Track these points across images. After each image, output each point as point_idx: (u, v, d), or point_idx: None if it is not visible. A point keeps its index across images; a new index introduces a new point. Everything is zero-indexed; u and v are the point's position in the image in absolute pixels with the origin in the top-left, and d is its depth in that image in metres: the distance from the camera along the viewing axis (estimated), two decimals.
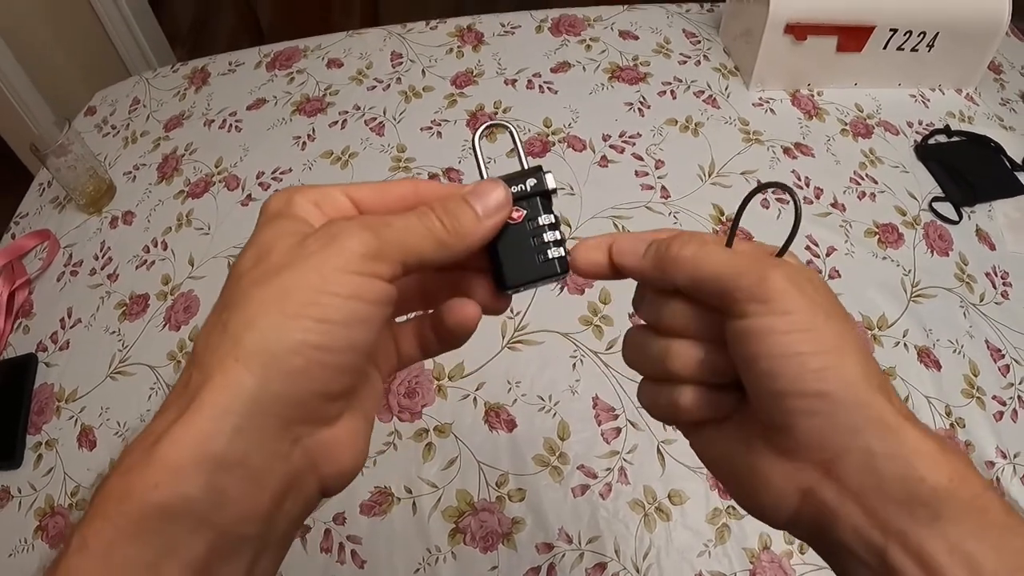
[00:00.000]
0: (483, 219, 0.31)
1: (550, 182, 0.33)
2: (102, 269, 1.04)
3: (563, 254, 0.33)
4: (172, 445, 0.25)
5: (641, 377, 0.36)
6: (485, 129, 0.37)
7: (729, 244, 0.32)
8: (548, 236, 0.33)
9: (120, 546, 0.24)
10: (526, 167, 0.34)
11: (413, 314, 0.37)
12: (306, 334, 0.26)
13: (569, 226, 0.97)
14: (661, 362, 0.33)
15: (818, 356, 0.27)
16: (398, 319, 0.36)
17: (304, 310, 0.26)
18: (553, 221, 0.33)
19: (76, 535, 0.25)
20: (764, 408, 0.29)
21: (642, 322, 0.35)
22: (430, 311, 0.36)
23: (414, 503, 0.77)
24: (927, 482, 0.26)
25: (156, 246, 1.05)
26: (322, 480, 0.30)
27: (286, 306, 0.26)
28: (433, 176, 1.06)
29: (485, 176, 0.34)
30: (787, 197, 1.00)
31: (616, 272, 0.34)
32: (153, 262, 1.03)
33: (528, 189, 0.33)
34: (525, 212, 0.33)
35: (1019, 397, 0.83)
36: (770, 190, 0.33)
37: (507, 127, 0.36)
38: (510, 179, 0.33)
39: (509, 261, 0.33)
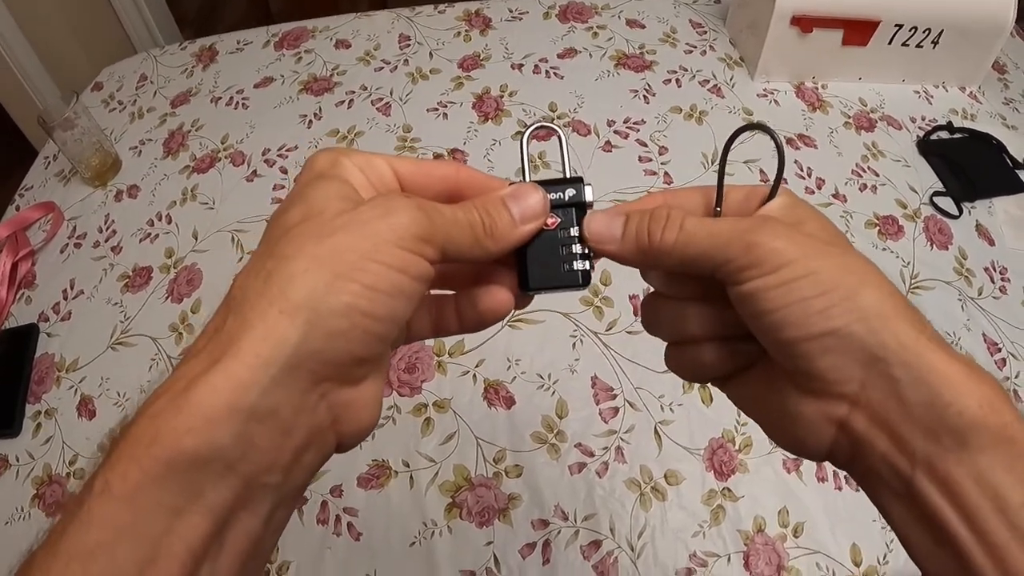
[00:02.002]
0: (519, 224, 0.32)
1: (588, 195, 0.34)
2: (106, 242, 1.04)
3: (588, 268, 0.34)
4: (208, 391, 0.25)
5: (664, 344, 0.36)
6: (536, 130, 0.37)
7: (718, 204, 0.33)
8: (576, 248, 0.33)
9: (146, 489, 0.24)
10: (569, 175, 0.34)
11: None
12: (355, 298, 0.26)
13: (553, 124, 0.97)
14: (677, 326, 0.34)
15: (821, 297, 0.27)
16: None
17: (354, 274, 0.26)
18: (580, 233, 0.34)
19: (98, 478, 0.24)
20: (781, 358, 0.29)
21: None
22: (453, 292, 0.36)
23: (411, 477, 0.78)
24: (954, 407, 0.26)
25: (160, 220, 1.05)
26: (340, 436, 0.30)
27: (337, 267, 0.26)
28: (438, 156, 1.07)
29: (528, 177, 0.34)
30: (788, 187, 1.00)
31: None
32: (157, 235, 1.03)
33: (566, 198, 0.33)
34: (560, 220, 0.33)
35: (1015, 391, 0.84)
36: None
37: (556, 130, 0.37)
38: (550, 185, 0.33)
39: (535, 264, 0.34)
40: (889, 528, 0.71)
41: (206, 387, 0.25)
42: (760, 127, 0.33)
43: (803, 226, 0.30)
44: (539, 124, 0.38)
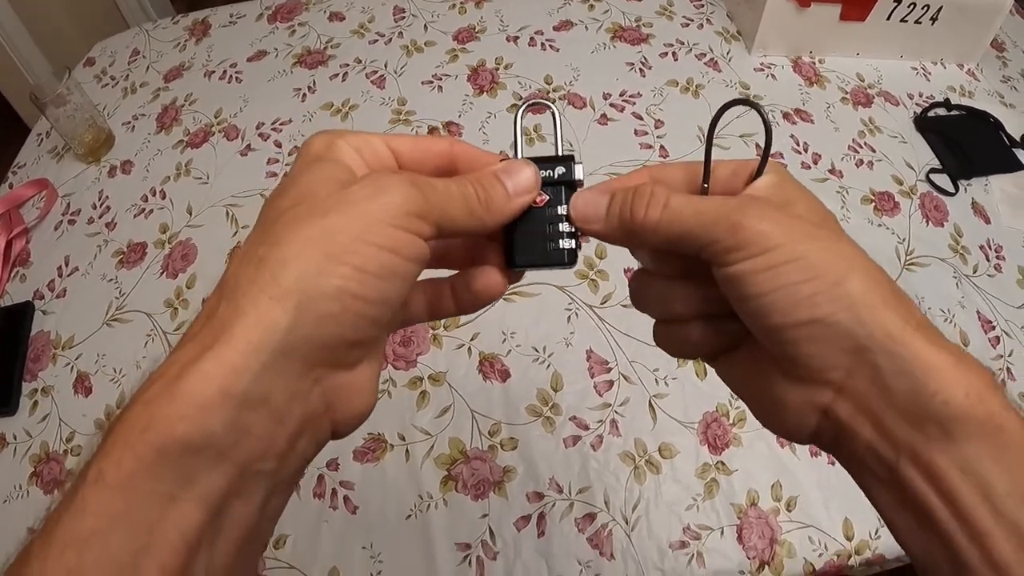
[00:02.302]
0: (512, 197, 0.32)
1: (579, 173, 0.34)
2: (100, 218, 1.04)
3: (573, 246, 0.34)
4: (200, 378, 0.24)
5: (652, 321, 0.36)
6: (530, 106, 0.37)
7: (705, 181, 0.32)
8: (563, 227, 0.33)
9: (138, 477, 0.24)
10: (560, 153, 0.34)
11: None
12: (345, 281, 0.26)
13: (547, 101, 0.97)
14: (664, 304, 0.34)
15: (808, 283, 0.27)
16: None
17: (345, 256, 0.26)
18: (568, 212, 0.34)
19: (92, 467, 0.24)
20: (766, 342, 0.29)
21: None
22: (448, 276, 0.36)
23: (407, 450, 0.78)
24: (939, 396, 0.25)
25: (155, 195, 1.05)
26: (334, 422, 0.30)
27: (328, 249, 0.26)
28: (433, 130, 1.06)
29: (520, 154, 0.35)
30: (784, 161, 1.00)
31: None
32: (151, 211, 1.03)
33: (556, 176, 0.33)
34: (548, 198, 0.33)
35: (1008, 369, 0.84)
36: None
37: (550, 107, 0.36)
38: (541, 162, 0.33)
39: (522, 241, 0.34)
40: None
41: (198, 374, 0.24)
42: (747, 103, 0.33)
43: (792, 207, 0.30)
44: (533, 101, 0.37)
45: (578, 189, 0.34)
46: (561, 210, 0.33)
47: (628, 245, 0.33)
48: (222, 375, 0.25)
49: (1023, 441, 0.25)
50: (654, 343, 0.36)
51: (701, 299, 0.33)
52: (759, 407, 0.32)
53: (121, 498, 0.23)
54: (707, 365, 0.36)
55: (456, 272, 0.35)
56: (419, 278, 0.34)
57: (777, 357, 0.29)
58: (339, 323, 0.27)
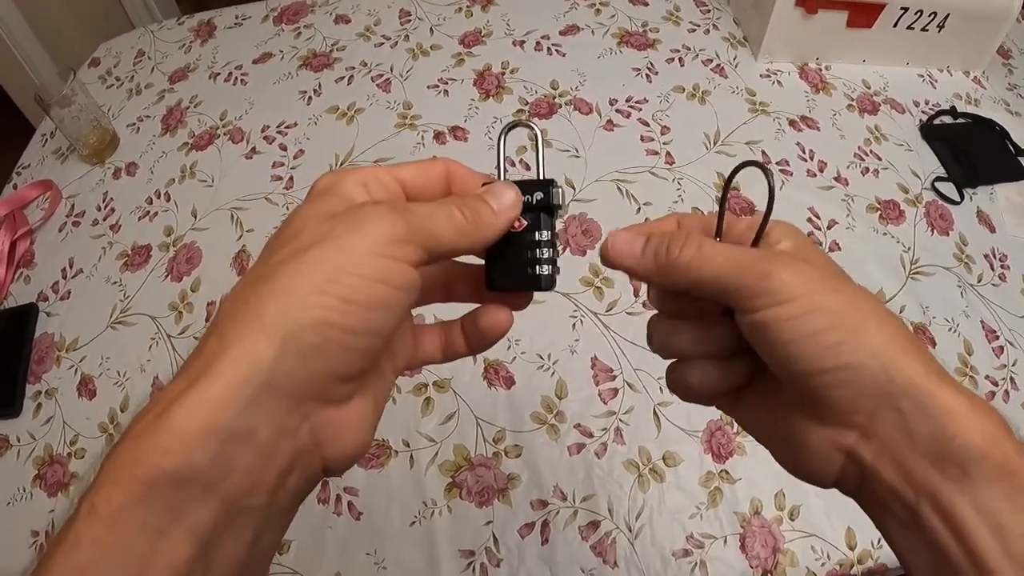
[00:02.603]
0: (498, 215, 0.32)
1: (557, 198, 0.34)
2: (104, 220, 1.04)
3: (549, 271, 0.34)
4: (184, 412, 0.25)
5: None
6: (512, 128, 0.37)
7: (718, 232, 0.34)
8: (541, 253, 0.34)
9: (128, 510, 0.24)
10: (542, 177, 0.35)
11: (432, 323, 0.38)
12: (327, 312, 0.26)
13: (573, 188, 0.97)
14: (668, 343, 0.35)
15: (832, 332, 0.28)
16: (419, 315, 0.37)
17: (327, 287, 0.26)
18: (549, 238, 0.34)
19: (85, 501, 0.25)
20: (793, 386, 0.30)
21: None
22: (460, 318, 0.37)
23: (411, 456, 0.78)
24: (958, 440, 0.27)
25: (159, 197, 1.05)
26: (325, 460, 0.30)
27: (312, 282, 0.26)
28: (439, 134, 1.06)
29: (503, 175, 0.35)
30: (790, 169, 1.00)
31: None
32: (156, 213, 1.03)
33: (534, 201, 0.34)
34: (527, 223, 0.34)
35: (1011, 379, 0.84)
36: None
37: (533, 128, 0.36)
38: (522, 186, 0.34)
39: (501, 265, 0.34)
40: None
41: (182, 408, 0.25)
42: (759, 165, 0.33)
43: (805, 269, 0.30)
44: (515, 123, 0.37)
45: (610, 232, 0.34)
46: (540, 236, 0.34)
47: (656, 283, 0.33)
48: (206, 409, 0.25)
49: None
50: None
51: (708, 339, 0.34)
52: (783, 450, 0.33)
53: (112, 532, 0.24)
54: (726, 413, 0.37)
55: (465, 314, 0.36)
56: (433, 319, 0.35)
57: (803, 400, 0.30)
58: (324, 355, 0.27)
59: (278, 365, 0.26)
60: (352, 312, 0.27)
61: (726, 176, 0.34)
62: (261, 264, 0.28)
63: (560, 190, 0.34)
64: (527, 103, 1.09)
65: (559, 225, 0.34)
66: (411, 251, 0.29)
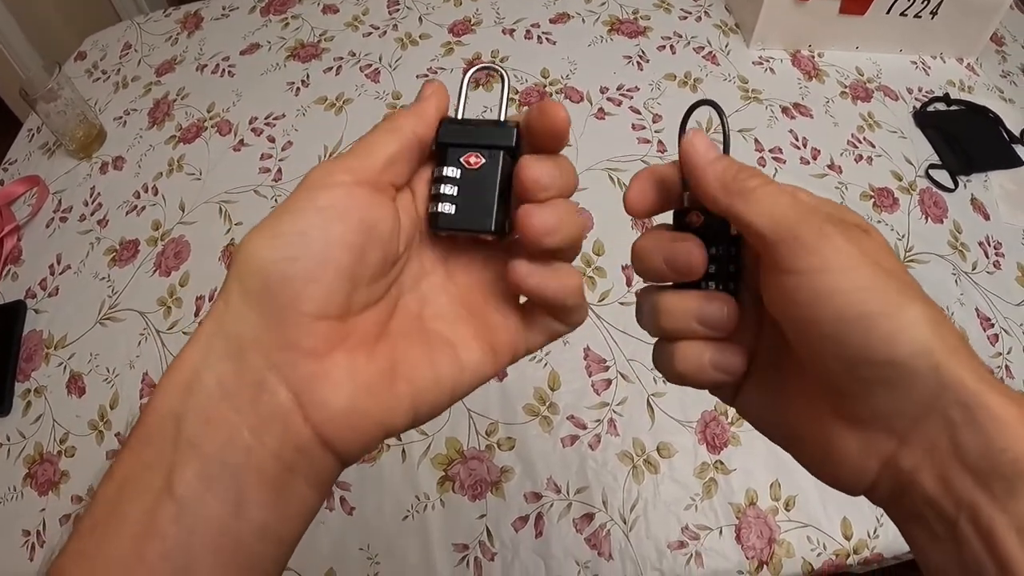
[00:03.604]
0: (428, 95, 0.32)
1: (509, 139, 0.32)
2: (92, 215, 1.03)
3: (437, 210, 0.32)
4: (172, 370, 0.27)
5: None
6: (478, 71, 0.36)
7: (685, 188, 0.32)
8: (437, 188, 0.32)
9: (131, 469, 0.26)
10: (502, 119, 0.32)
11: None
12: (263, 250, 0.27)
13: (498, 66, 0.96)
14: (671, 313, 0.32)
15: (886, 318, 0.25)
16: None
17: (272, 228, 0.27)
18: (454, 175, 0.31)
19: (109, 467, 0.27)
20: (829, 376, 0.27)
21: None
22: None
23: (404, 450, 0.77)
24: (1008, 453, 0.24)
25: (147, 191, 1.04)
26: (315, 425, 0.27)
27: (262, 230, 0.27)
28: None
29: (462, 113, 0.33)
30: (783, 157, 0.99)
31: (662, 205, 0.33)
32: (143, 207, 1.02)
33: (494, 142, 0.32)
34: (484, 161, 0.32)
35: (1007, 367, 0.84)
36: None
37: (500, 70, 0.35)
38: (481, 124, 0.32)
39: (450, 203, 0.32)
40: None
41: (172, 368, 0.27)
42: (709, 103, 0.33)
43: (864, 242, 0.28)
44: (483, 65, 0.36)
45: (691, 130, 0.32)
46: (444, 170, 0.31)
47: (719, 204, 0.30)
48: (186, 364, 0.27)
49: None
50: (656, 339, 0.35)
51: (708, 313, 0.31)
52: (807, 455, 0.30)
53: (115, 491, 0.26)
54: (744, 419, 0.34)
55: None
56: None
57: (833, 398, 0.28)
58: (271, 294, 0.26)
59: (232, 317, 0.27)
60: (288, 243, 0.27)
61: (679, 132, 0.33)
62: None
63: (516, 130, 0.32)
64: (517, 92, 1.08)
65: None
66: (344, 175, 0.28)
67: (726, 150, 0.31)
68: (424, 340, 0.31)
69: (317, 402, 0.27)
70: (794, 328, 0.28)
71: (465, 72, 0.35)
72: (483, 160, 0.31)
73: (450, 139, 0.32)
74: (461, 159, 0.32)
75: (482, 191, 0.31)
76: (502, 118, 0.33)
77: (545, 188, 0.30)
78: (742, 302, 0.32)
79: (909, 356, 0.25)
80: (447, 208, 0.31)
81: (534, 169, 0.30)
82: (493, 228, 0.31)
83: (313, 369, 0.27)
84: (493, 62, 0.35)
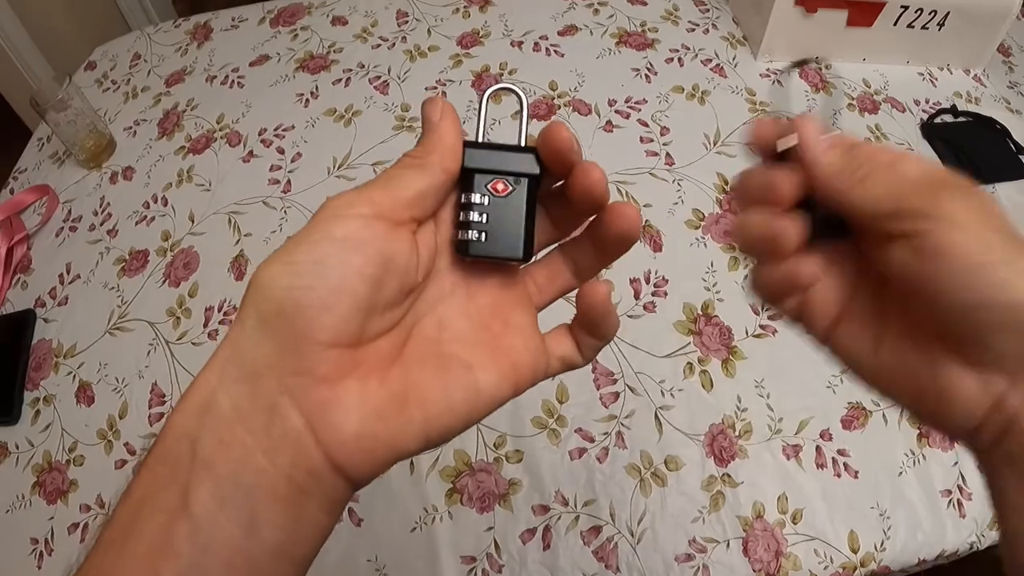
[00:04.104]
0: (436, 120, 0.31)
1: (528, 166, 0.32)
2: (101, 225, 1.04)
3: (468, 238, 0.32)
4: (191, 392, 0.27)
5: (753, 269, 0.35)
6: (496, 92, 0.35)
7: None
8: (466, 215, 0.32)
9: (147, 488, 0.27)
10: (523, 144, 0.33)
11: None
12: (278, 276, 0.27)
13: (515, 88, 0.96)
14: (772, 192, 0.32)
15: (1005, 265, 0.26)
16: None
17: (290, 256, 0.27)
18: (480, 201, 0.32)
19: (127, 485, 0.27)
20: (952, 323, 0.28)
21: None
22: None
23: (412, 462, 0.78)
24: None
25: (156, 202, 1.04)
26: (327, 449, 0.27)
27: (273, 258, 0.28)
28: None
29: (482, 136, 0.33)
30: None
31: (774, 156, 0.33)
32: (153, 218, 1.02)
33: (518, 169, 0.32)
34: (511, 188, 0.32)
35: None
36: None
37: (516, 92, 0.34)
38: (504, 150, 0.32)
39: (477, 230, 0.32)
40: (888, 515, 0.71)
41: (190, 390, 0.28)
42: (508, 88, 0.34)
43: (974, 202, 0.29)
44: (501, 86, 0.35)
45: (802, 117, 0.32)
46: (470, 197, 0.32)
47: (833, 190, 0.31)
48: (203, 388, 0.27)
49: None
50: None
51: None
52: (918, 395, 0.31)
53: (132, 510, 0.26)
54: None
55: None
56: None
57: (958, 340, 0.28)
58: (285, 320, 0.27)
59: (248, 342, 0.27)
60: (303, 271, 0.27)
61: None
62: None
63: (531, 155, 0.32)
64: (527, 112, 1.08)
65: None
66: (363, 206, 0.28)
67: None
68: (439, 364, 0.31)
69: (328, 427, 0.27)
70: (914, 279, 0.28)
71: (483, 93, 0.34)
72: (510, 188, 0.32)
73: (475, 164, 0.32)
74: (488, 186, 0.32)
75: (510, 218, 0.32)
76: (522, 142, 0.33)
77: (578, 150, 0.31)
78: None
79: (1022, 298, 0.26)
80: (476, 236, 0.32)
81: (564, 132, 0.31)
82: (523, 256, 0.32)
83: (325, 395, 0.27)
84: (511, 83, 0.35)
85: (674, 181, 0.97)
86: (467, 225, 0.32)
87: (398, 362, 0.31)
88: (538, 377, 0.34)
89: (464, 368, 0.31)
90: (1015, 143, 1.07)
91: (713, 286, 0.87)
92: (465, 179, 0.32)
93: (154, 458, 0.27)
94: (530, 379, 0.33)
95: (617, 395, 0.80)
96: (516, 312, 0.34)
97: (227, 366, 0.27)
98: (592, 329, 0.34)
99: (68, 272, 0.99)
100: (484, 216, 0.32)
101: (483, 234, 0.32)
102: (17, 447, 0.85)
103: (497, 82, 1.09)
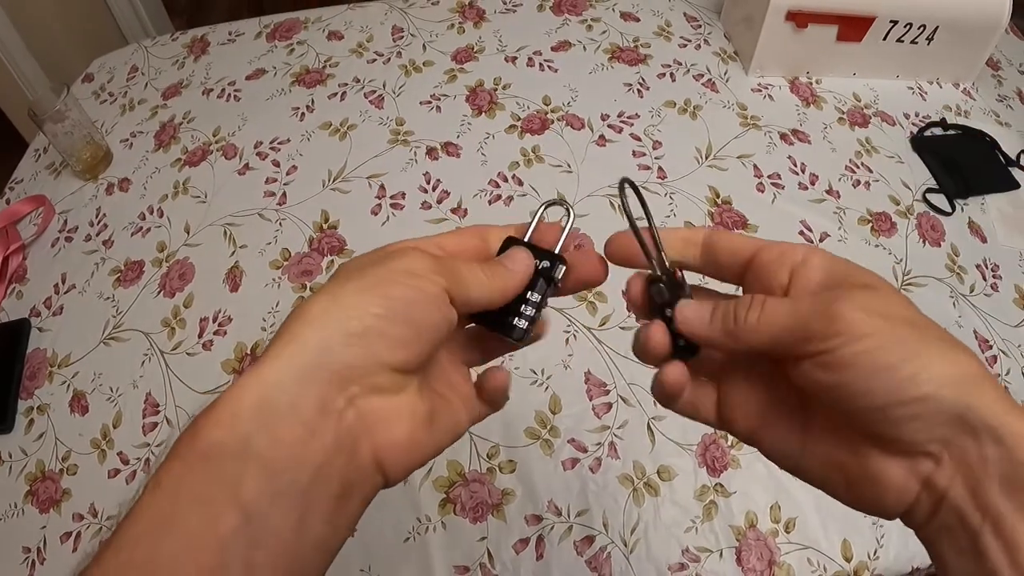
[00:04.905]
0: (513, 274, 0.36)
1: (558, 272, 0.38)
2: (97, 235, 1.04)
3: (524, 327, 0.37)
4: (239, 389, 0.28)
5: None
6: (549, 205, 0.41)
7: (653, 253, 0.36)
8: (525, 308, 0.37)
9: (185, 481, 0.27)
10: (556, 251, 0.38)
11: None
12: (368, 305, 0.30)
13: (567, 204, 0.97)
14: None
15: (907, 363, 0.28)
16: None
17: (369, 288, 0.31)
18: (537, 300, 0.37)
19: (153, 477, 0.27)
20: (866, 423, 0.30)
21: None
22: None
23: None
24: None
25: (152, 213, 1.05)
26: (376, 450, 0.31)
27: (353, 286, 0.31)
28: (431, 150, 1.07)
29: (529, 233, 0.39)
30: (781, 183, 1.00)
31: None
32: (149, 229, 1.03)
33: (541, 266, 0.38)
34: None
35: (1005, 388, 0.84)
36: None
37: (567, 207, 0.41)
38: (536, 251, 0.38)
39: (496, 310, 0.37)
40: (880, 524, 0.71)
41: (238, 386, 0.28)
42: (632, 186, 0.38)
43: (873, 304, 0.30)
44: (553, 201, 0.41)
45: (682, 300, 0.35)
46: (531, 295, 0.37)
47: (728, 347, 0.34)
48: (257, 386, 0.28)
49: None
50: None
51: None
52: (849, 486, 0.32)
53: (168, 502, 0.27)
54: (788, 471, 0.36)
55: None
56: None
57: (877, 436, 0.30)
58: (365, 342, 0.30)
59: (323, 348, 0.29)
60: (390, 305, 0.31)
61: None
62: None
63: (564, 267, 0.38)
64: (519, 119, 1.10)
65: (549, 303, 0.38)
66: (443, 279, 0.32)
67: (650, 221, 0.36)
68: (443, 391, 0.37)
69: (384, 432, 0.32)
70: (826, 390, 0.30)
71: (540, 207, 0.40)
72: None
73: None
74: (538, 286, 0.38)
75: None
76: (558, 249, 0.39)
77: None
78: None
79: (933, 390, 0.28)
80: (525, 326, 0.37)
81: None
82: (521, 339, 0.38)
83: (380, 404, 0.31)
84: (562, 201, 0.40)
85: (666, 195, 0.98)
86: (524, 316, 0.37)
87: (425, 384, 0.35)
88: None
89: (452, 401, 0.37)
90: (1004, 155, 1.08)
91: None
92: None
93: (191, 451, 0.28)
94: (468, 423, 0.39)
95: (610, 406, 0.81)
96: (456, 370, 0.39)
97: (288, 366, 0.29)
98: (490, 404, 0.39)
99: (63, 282, 0.99)
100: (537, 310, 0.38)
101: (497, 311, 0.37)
102: (10, 456, 0.85)
103: (492, 98, 1.10)
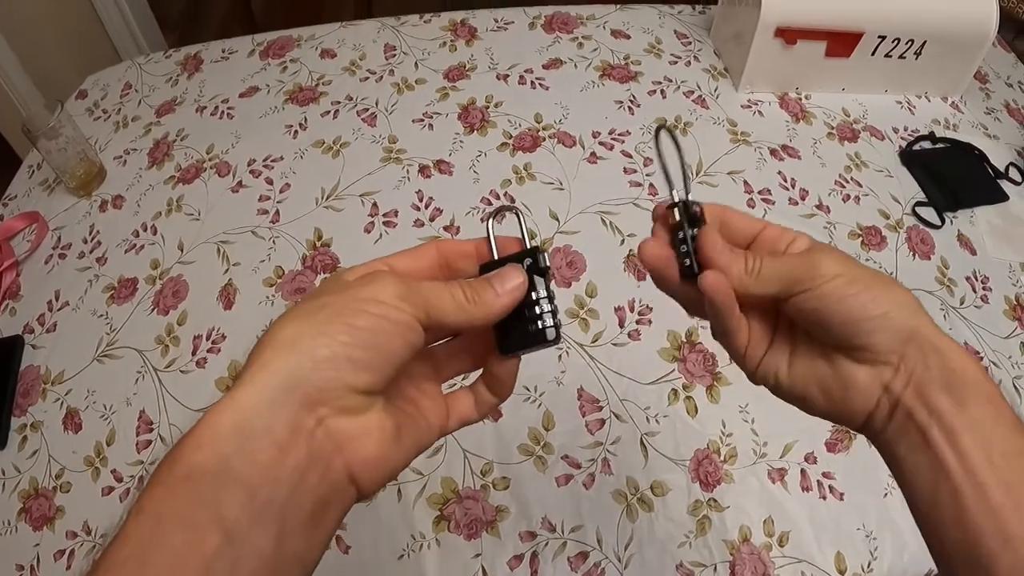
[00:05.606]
0: (501, 296, 0.37)
1: (544, 261, 0.38)
2: (91, 252, 1.04)
3: (552, 323, 0.38)
4: (217, 413, 0.30)
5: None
6: (496, 213, 0.41)
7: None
8: (540, 308, 0.38)
9: (168, 504, 0.28)
10: (528, 246, 0.39)
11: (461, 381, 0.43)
12: (336, 333, 0.32)
13: (557, 220, 0.98)
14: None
15: (870, 291, 0.37)
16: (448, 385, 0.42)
17: (335, 317, 0.32)
18: (545, 294, 0.38)
19: (137, 501, 0.28)
20: (843, 337, 0.38)
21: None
22: (481, 376, 0.41)
23: (399, 490, 0.78)
24: (958, 373, 0.35)
25: (146, 230, 1.05)
26: (348, 465, 0.33)
27: (323, 314, 0.33)
28: (424, 167, 1.07)
29: (495, 250, 0.39)
30: (772, 198, 1.01)
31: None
32: (142, 246, 1.03)
33: (526, 267, 0.38)
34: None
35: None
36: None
37: (515, 210, 0.41)
38: (512, 259, 0.38)
39: (508, 330, 0.38)
40: (874, 536, 0.71)
41: (215, 411, 0.30)
42: (668, 129, 0.42)
43: (839, 256, 0.39)
44: (499, 208, 0.42)
45: (705, 227, 0.39)
46: (537, 293, 0.37)
47: (753, 293, 0.39)
48: (234, 411, 0.30)
49: (1009, 415, 0.35)
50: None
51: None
52: (830, 394, 0.39)
53: (152, 525, 0.28)
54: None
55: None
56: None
57: (851, 347, 0.38)
58: (334, 366, 0.32)
59: (294, 374, 0.31)
60: (356, 333, 0.32)
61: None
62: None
63: (546, 253, 0.38)
64: (511, 136, 1.10)
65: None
66: (408, 307, 0.34)
67: (680, 158, 0.40)
68: (408, 407, 0.38)
69: (355, 450, 0.33)
70: (811, 316, 0.38)
71: (486, 220, 0.41)
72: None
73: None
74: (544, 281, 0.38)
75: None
76: (527, 246, 0.39)
77: None
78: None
79: (891, 308, 0.36)
80: (552, 321, 0.38)
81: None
82: (557, 336, 0.38)
83: (351, 424, 0.33)
84: (507, 206, 0.42)
85: None
86: (544, 315, 0.38)
87: (391, 401, 0.36)
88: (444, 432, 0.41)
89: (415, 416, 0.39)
90: (993, 168, 1.09)
91: None
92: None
93: (172, 475, 0.29)
94: (438, 432, 0.40)
95: (603, 422, 0.81)
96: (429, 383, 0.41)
97: (261, 391, 0.31)
98: (495, 387, 0.41)
99: (57, 299, 0.99)
100: (509, 318, 0.37)
101: (512, 332, 0.38)
102: (3, 473, 0.85)
103: (484, 116, 1.11)
